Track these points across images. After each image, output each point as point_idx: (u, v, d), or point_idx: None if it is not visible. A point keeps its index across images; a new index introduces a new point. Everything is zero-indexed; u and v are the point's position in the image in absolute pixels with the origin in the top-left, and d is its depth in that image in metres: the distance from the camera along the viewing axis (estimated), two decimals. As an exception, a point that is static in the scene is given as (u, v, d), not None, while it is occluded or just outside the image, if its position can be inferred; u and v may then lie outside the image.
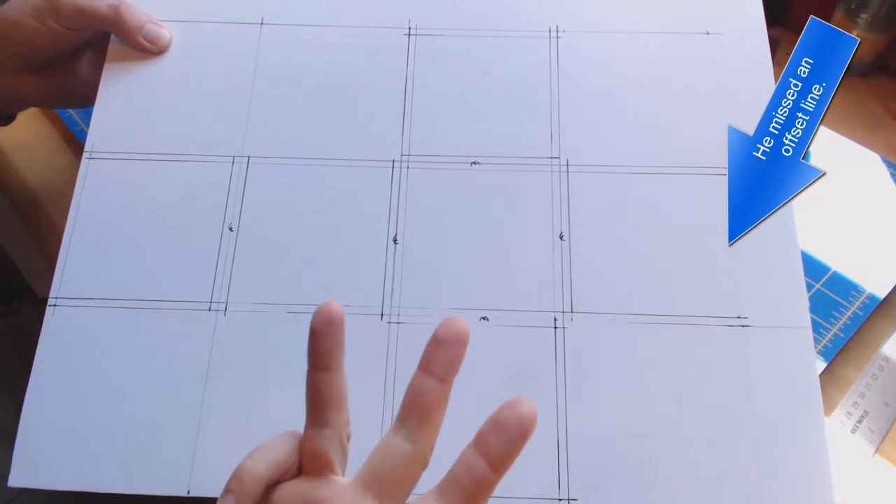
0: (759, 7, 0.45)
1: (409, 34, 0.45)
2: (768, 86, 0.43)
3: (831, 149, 0.51)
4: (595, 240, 0.39)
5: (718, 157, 0.41)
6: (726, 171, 0.41)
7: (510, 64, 0.44)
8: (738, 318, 0.37)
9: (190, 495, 0.35)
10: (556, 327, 0.37)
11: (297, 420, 0.36)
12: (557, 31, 0.45)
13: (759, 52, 0.44)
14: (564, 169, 0.41)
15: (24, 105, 0.51)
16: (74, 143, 0.55)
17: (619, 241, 0.39)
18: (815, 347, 0.40)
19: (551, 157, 0.41)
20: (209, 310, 0.38)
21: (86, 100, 0.46)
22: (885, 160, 0.50)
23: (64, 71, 0.47)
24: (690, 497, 0.34)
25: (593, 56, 0.44)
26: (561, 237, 0.39)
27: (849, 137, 0.52)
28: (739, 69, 0.43)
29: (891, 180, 0.49)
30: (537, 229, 0.39)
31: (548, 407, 0.36)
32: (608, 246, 0.39)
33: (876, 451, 0.38)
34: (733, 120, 0.42)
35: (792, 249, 0.38)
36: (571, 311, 0.38)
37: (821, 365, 0.40)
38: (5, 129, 0.57)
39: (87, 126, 0.55)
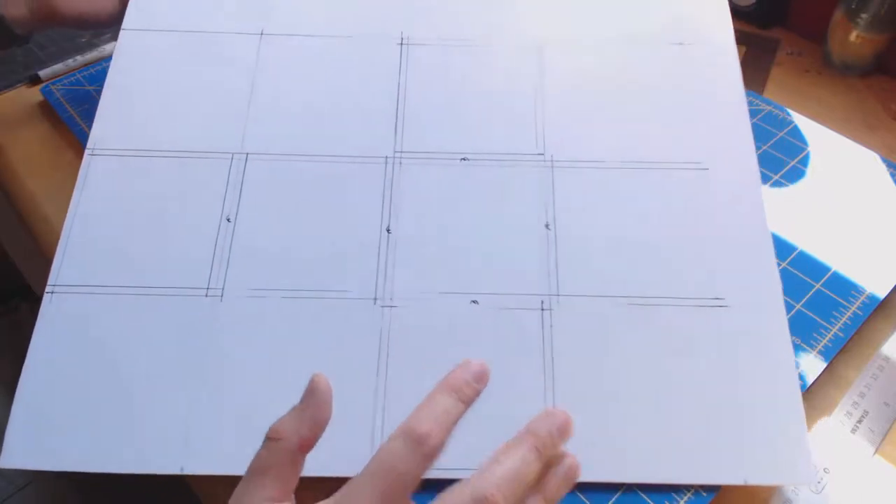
0: (727, 20, 0.49)
1: (401, 44, 0.48)
2: (738, 89, 0.46)
3: (831, 149, 0.51)
4: (579, 228, 0.42)
5: (692, 153, 0.44)
6: (699, 166, 0.44)
7: (497, 71, 0.47)
8: (716, 299, 0.39)
9: (183, 472, 0.35)
10: (542, 309, 0.39)
11: (288, 399, 0.36)
12: (542, 42, 0.48)
13: (729, 59, 0.48)
14: (549, 165, 0.44)
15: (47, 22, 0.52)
16: (74, 143, 0.55)
17: (602, 229, 0.41)
18: (815, 347, 0.40)
19: (536, 154, 0.44)
20: (206, 296, 0.40)
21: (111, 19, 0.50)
22: (884, 160, 0.50)
23: None
24: (675, 468, 0.35)
25: (575, 64, 0.48)
26: (547, 226, 0.42)
27: (849, 137, 0.52)
28: (711, 75, 0.47)
29: (891, 180, 0.49)
30: (524, 219, 0.42)
31: (536, 383, 0.37)
32: (592, 234, 0.41)
33: (876, 451, 0.38)
34: (706, 120, 0.45)
35: (763, 235, 0.41)
36: (558, 295, 0.40)
37: (821, 365, 0.40)
38: (5, 129, 0.57)
39: (88, 126, 0.55)
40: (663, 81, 0.47)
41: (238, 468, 0.35)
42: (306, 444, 0.29)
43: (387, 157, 0.44)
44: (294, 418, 0.29)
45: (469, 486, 0.26)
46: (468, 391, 0.28)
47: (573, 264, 0.40)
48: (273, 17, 0.50)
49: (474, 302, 0.39)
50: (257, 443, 0.36)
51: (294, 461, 0.29)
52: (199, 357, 0.38)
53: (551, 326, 0.39)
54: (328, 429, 0.35)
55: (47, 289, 0.40)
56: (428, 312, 0.39)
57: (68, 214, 0.42)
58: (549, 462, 0.29)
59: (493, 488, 0.26)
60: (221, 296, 0.40)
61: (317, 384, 0.30)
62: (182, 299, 0.39)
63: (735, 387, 0.37)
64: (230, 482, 0.36)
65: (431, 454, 0.27)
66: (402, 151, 0.44)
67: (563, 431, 0.29)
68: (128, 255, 0.41)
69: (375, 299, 0.39)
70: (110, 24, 0.54)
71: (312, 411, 0.29)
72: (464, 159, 0.44)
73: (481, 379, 0.29)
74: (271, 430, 0.29)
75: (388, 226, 0.41)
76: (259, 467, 0.29)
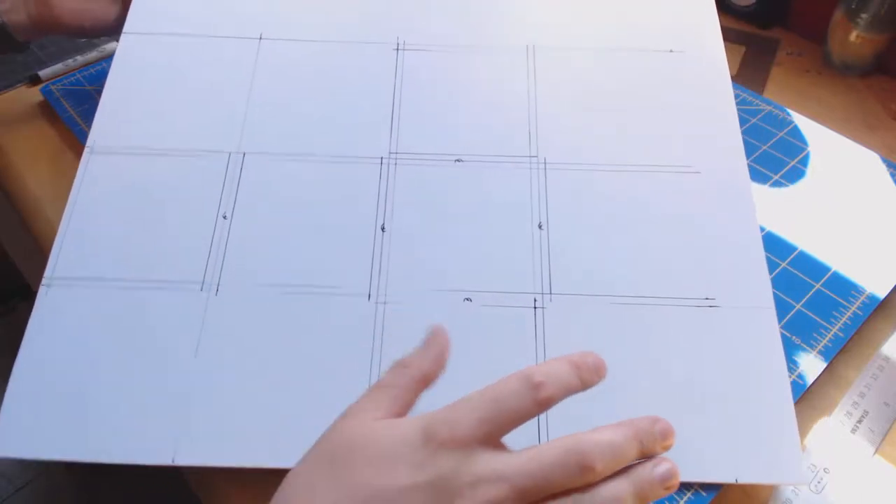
0: (716, 28, 0.50)
1: (397, 49, 0.49)
2: (728, 94, 0.47)
3: (831, 149, 0.51)
4: (572, 228, 0.42)
5: (683, 156, 0.45)
6: (690, 169, 0.44)
7: (491, 76, 0.48)
8: (707, 299, 0.40)
9: (174, 464, 0.35)
10: (535, 307, 0.40)
11: (279, 391, 0.36)
12: (535, 48, 0.49)
13: (718, 66, 0.49)
14: (542, 166, 0.44)
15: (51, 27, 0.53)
16: (74, 143, 0.55)
17: (594, 229, 0.42)
18: (815, 347, 0.40)
19: (530, 156, 0.45)
20: (201, 290, 0.40)
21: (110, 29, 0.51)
22: (885, 160, 0.50)
23: None
24: None
25: (567, 69, 0.48)
26: (539, 226, 0.42)
27: (849, 137, 0.51)
28: (701, 81, 0.48)
29: (891, 180, 0.49)
30: (517, 219, 0.42)
31: None
32: (584, 234, 0.42)
33: (876, 451, 0.38)
34: (697, 125, 0.46)
35: (753, 236, 0.42)
36: (550, 293, 0.40)
37: (821, 365, 0.40)
38: (5, 129, 0.57)
39: (88, 126, 0.55)
40: (654, 86, 0.48)
41: (229, 460, 0.36)
42: (427, 379, 0.30)
43: (382, 158, 0.44)
44: (419, 354, 0.31)
45: (566, 439, 0.26)
46: (586, 374, 0.28)
47: (566, 264, 0.41)
48: (272, 23, 0.50)
49: (467, 300, 0.40)
50: (249, 435, 0.36)
51: (416, 388, 0.30)
52: (192, 349, 0.38)
53: (544, 324, 0.39)
54: (322, 422, 0.35)
55: (43, 281, 0.40)
56: (421, 309, 0.39)
57: (66, 208, 0.42)
58: (645, 455, 0.28)
59: (591, 445, 0.26)
60: (216, 290, 0.40)
61: (438, 329, 0.31)
62: (177, 293, 0.40)
63: (725, 386, 0.37)
64: (227, 478, 0.36)
65: (542, 403, 0.27)
66: (397, 152, 0.45)
67: (665, 436, 0.28)
68: (124, 249, 0.41)
69: (369, 296, 0.40)
70: (110, 33, 0.54)
71: (434, 351, 0.31)
72: (458, 160, 0.44)
73: (599, 371, 0.29)
74: (400, 360, 0.31)
75: (383, 224, 0.42)
76: (383, 384, 0.30)
